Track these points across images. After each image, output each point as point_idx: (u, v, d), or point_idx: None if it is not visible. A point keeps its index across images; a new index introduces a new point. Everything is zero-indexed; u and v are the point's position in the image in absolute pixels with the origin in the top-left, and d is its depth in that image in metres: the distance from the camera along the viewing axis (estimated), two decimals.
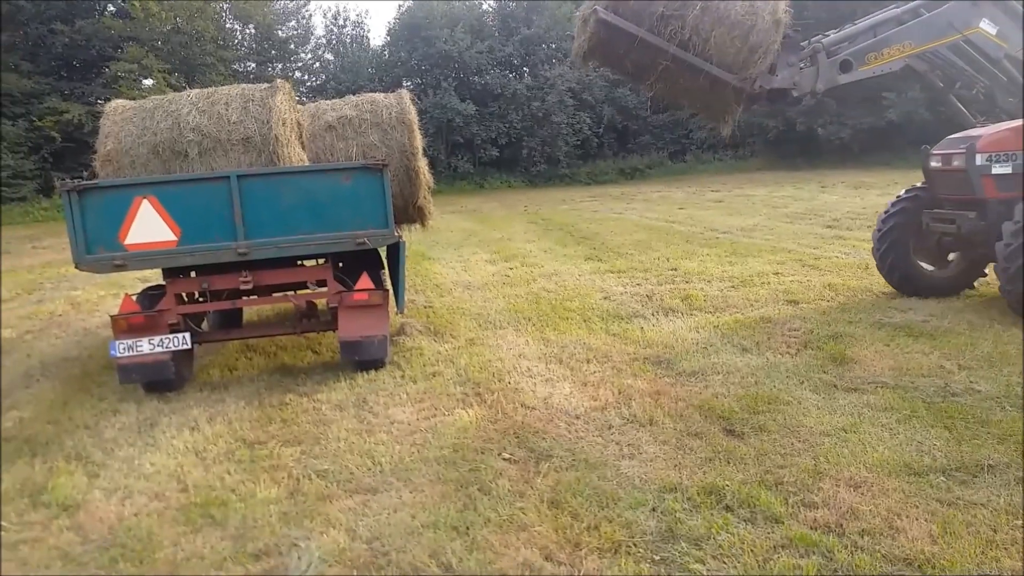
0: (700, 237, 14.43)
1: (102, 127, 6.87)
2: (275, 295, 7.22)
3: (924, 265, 8.33)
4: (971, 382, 5.48)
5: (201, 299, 6.87)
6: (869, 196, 19.92)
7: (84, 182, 6.04)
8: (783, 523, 3.70)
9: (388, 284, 7.55)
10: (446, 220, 19.34)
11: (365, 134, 8.18)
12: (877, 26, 7.17)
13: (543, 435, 5.00)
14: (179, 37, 33.74)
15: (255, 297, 7.12)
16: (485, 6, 44.34)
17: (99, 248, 6.06)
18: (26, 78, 30.82)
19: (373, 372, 6.59)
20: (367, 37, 44.68)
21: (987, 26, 6.89)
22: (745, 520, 3.76)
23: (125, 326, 6.18)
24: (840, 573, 3.31)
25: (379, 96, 8.74)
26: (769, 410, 5.18)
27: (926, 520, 3.66)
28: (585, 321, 8.16)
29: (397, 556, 3.64)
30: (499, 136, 38.86)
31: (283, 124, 6.73)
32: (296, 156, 6.84)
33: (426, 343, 7.53)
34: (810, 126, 34.66)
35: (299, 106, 7.61)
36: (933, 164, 7.75)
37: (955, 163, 7.35)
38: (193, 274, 6.62)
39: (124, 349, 6.09)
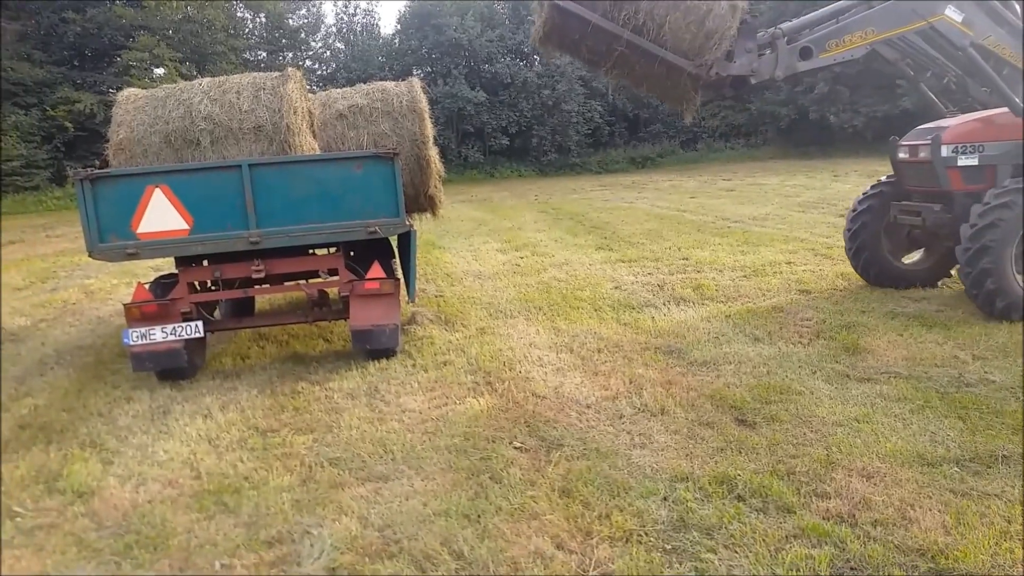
0: (712, 226, 14.37)
1: (114, 116, 6.88)
2: (287, 284, 7.23)
3: (896, 257, 8.26)
4: (985, 372, 5.44)
5: (213, 287, 6.89)
6: None
7: (97, 171, 6.06)
8: (795, 513, 3.69)
9: (399, 273, 7.56)
10: (456, 209, 19.35)
11: (376, 123, 8.16)
12: (839, 12, 7.03)
13: (554, 424, 5.00)
14: (190, 26, 33.79)
15: (267, 286, 7.14)
16: None
17: (112, 236, 6.09)
18: (38, 67, 30.98)
19: (384, 361, 6.61)
20: (377, 25, 44.73)
21: (952, 13, 6.72)
22: (757, 510, 3.76)
23: (138, 314, 6.21)
24: (852, 564, 3.29)
25: (390, 85, 8.72)
26: (781, 400, 5.16)
27: (939, 511, 3.64)
28: (596, 310, 8.15)
29: (409, 544, 3.65)
30: (509, 125, 38.78)
31: (294, 113, 6.72)
32: (307, 145, 6.83)
33: (437, 332, 7.54)
34: (823, 114, 34.37)
35: (310, 95, 7.59)
36: (900, 155, 7.64)
37: (921, 154, 7.24)
38: (205, 263, 6.64)
39: (137, 337, 6.12)
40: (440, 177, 8.73)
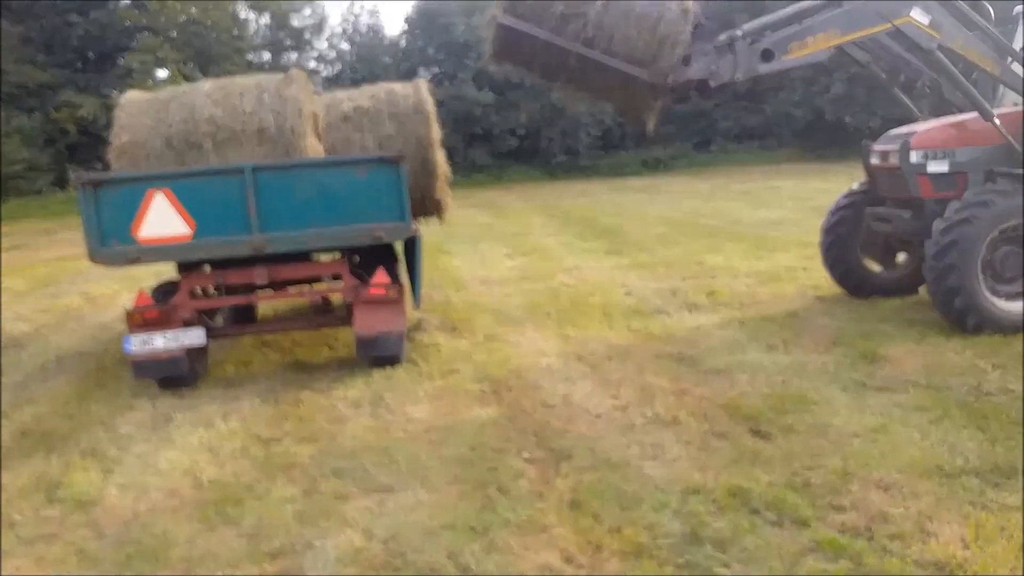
0: (725, 230, 14.24)
1: (117, 119, 6.88)
2: (290, 290, 7.20)
3: (873, 266, 8.14)
4: (1005, 381, 5.33)
5: (216, 294, 6.85)
6: None
7: (99, 175, 6.04)
8: (811, 526, 3.61)
9: (405, 279, 7.49)
10: (463, 213, 19.23)
11: (382, 125, 8.13)
12: (802, 14, 6.86)
13: (563, 434, 4.93)
14: (193, 27, 33.85)
15: (270, 292, 7.09)
16: None
17: (114, 241, 6.07)
18: (41, 70, 31.07)
19: (389, 369, 6.54)
20: (383, 26, 44.73)
21: (919, 15, 6.51)
22: (772, 523, 3.67)
23: (140, 320, 6.18)
24: None
25: (396, 86, 8.69)
26: (797, 410, 5.06)
27: (959, 523, 3.55)
28: (606, 317, 8.07)
29: (414, 557, 3.59)
30: (517, 127, 38.64)
31: (299, 115, 6.70)
32: (312, 148, 6.80)
33: (443, 339, 7.49)
34: (839, 116, 34.13)
35: (315, 96, 7.55)
36: (873, 161, 7.49)
37: (891, 160, 7.08)
38: (208, 268, 6.61)
39: (138, 344, 6.09)
40: (447, 180, 8.70)
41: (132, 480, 4.69)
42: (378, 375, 6.41)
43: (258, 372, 6.92)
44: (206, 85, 6.98)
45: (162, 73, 31.65)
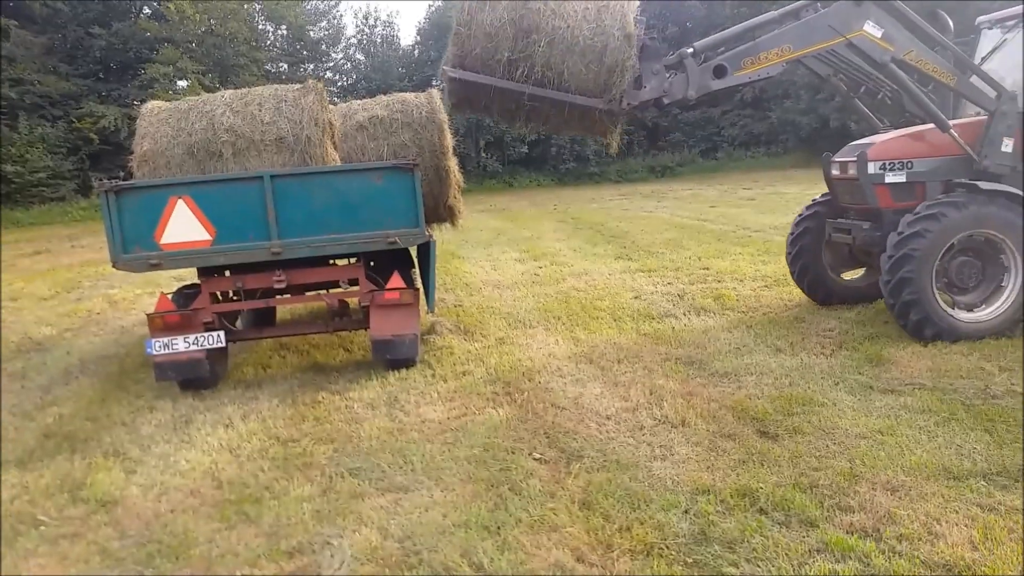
0: (732, 236, 14.27)
1: (138, 128, 6.97)
2: (308, 294, 7.27)
3: (839, 275, 8.12)
4: (1012, 384, 5.34)
5: (235, 298, 6.94)
6: None
7: (121, 182, 6.14)
8: (818, 527, 3.64)
9: (419, 283, 7.58)
10: (476, 219, 19.35)
11: (396, 134, 8.20)
12: (754, 29, 6.89)
13: (574, 435, 4.98)
14: (213, 38, 34.22)
15: (288, 296, 7.18)
16: None
17: (136, 247, 6.16)
18: (65, 80, 31.49)
19: (404, 371, 6.63)
20: (397, 37, 44.97)
21: (871, 29, 6.50)
22: (779, 523, 3.71)
23: (161, 324, 6.27)
24: None
25: (410, 96, 8.76)
26: (804, 412, 5.10)
27: (966, 525, 3.58)
28: (616, 320, 8.12)
29: (429, 555, 3.64)
30: (528, 134, 38.73)
31: (315, 124, 6.78)
32: (328, 156, 6.88)
33: (456, 342, 7.55)
34: (844, 122, 34.02)
35: (331, 106, 7.65)
36: (833, 172, 7.48)
37: (850, 171, 7.07)
38: (227, 273, 6.70)
39: (160, 347, 6.18)
40: (459, 187, 8.75)
41: (153, 480, 4.75)
42: (393, 377, 6.49)
43: (276, 374, 7.01)
44: (225, 95, 7.07)
45: (182, 83, 31.97)
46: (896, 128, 7.54)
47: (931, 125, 6.85)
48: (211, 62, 33.94)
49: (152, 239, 6.15)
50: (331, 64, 43.83)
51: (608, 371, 6.34)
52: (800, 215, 8.14)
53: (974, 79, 6.87)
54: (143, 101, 7.52)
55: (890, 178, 6.83)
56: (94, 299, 11.70)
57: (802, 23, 6.60)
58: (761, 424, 4.96)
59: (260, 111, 6.76)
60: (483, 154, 37.45)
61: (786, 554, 3.44)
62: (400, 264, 7.06)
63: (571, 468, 4.48)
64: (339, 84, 41.94)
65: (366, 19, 50.31)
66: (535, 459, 4.67)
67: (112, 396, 6.61)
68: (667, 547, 3.57)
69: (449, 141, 8.38)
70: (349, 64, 44.10)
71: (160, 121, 6.89)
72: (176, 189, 6.15)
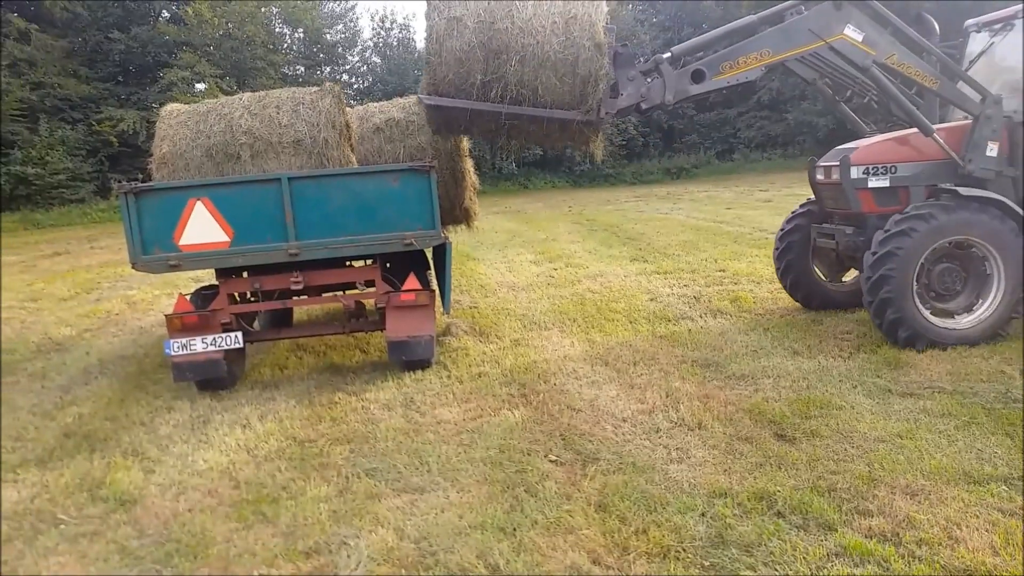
0: (749, 237, 14.19)
1: (158, 130, 7.02)
2: (325, 295, 7.31)
3: (826, 279, 8.07)
4: None
5: (253, 299, 6.99)
6: None
7: (140, 184, 6.19)
8: (837, 531, 3.62)
9: (434, 285, 7.60)
10: (491, 221, 19.39)
11: (412, 136, 8.22)
12: (732, 34, 6.85)
13: (590, 437, 4.97)
14: (230, 42, 34.48)
15: (305, 297, 7.23)
16: None
17: (155, 248, 6.22)
18: (85, 83, 31.85)
19: (420, 372, 6.65)
20: (413, 40, 45.07)
21: (852, 33, 6.45)
22: (797, 527, 3.69)
23: (179, 325, 6.32)
24: None
25: None
26: (821, 415, 5.07)
27: (987, 530, 3.55)
28: (631, 323, 8.10)
29: (445, 556, 3.65)
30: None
31: (333, 127, 6.81)
32: (345, 158, 6.91)
33: (472, 344, 7.56)
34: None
35: (348, 109, 7.69)
36: (818, 177, 7.42)
37: (834, 176, 7.01)
38: (245, 274, 6.74)
39: (178, 348, 6.23)
40: (475, 189, 8.77)
41: (172, 479, 4.79)
42: (409, 378, 6.51)
43: (294, 375, 7.04)
44: (244, 98, 7.11)
45: (200, 87, 32.24)
46: (883, 132, 7.49)
47: (915, 129, 6.79)
48: (229, 65, 34.21)
49: (171, 240, 6.20)
50: (348, 67, 44.07)
51: (624, 373, 6.33)
52: (785, 223, 8.11)
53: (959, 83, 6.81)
54: (162, 105, 7.57)
55: (873, 182, 6.78)
56: (113, 300, 11.80)
57: (782, 27, 6.56)
58: (778, 427, 4.93)
59: (278, 114, 6.80)
60: (498, 156, 37.48)
61: (804, 558, 3.42)
62: (416, 266, 7.08)
63: (587, 470, 4.47)
64: (356, 87, 42.17)
65: (382, 22, 50.57)
66: (551, 461, 4.66)
67: (131, 396, 6.66)
68: (684, 550, 3.56)
69: (465, 143, 8.40)
70: (366, 67, 44.32)
71: (179, 124, 6.94)
72: (195, 191, 6.20)
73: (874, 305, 6.35)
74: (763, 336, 7.18)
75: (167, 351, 6.27)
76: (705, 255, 12.31)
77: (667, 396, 5.64)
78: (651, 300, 9.21)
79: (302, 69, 40.29)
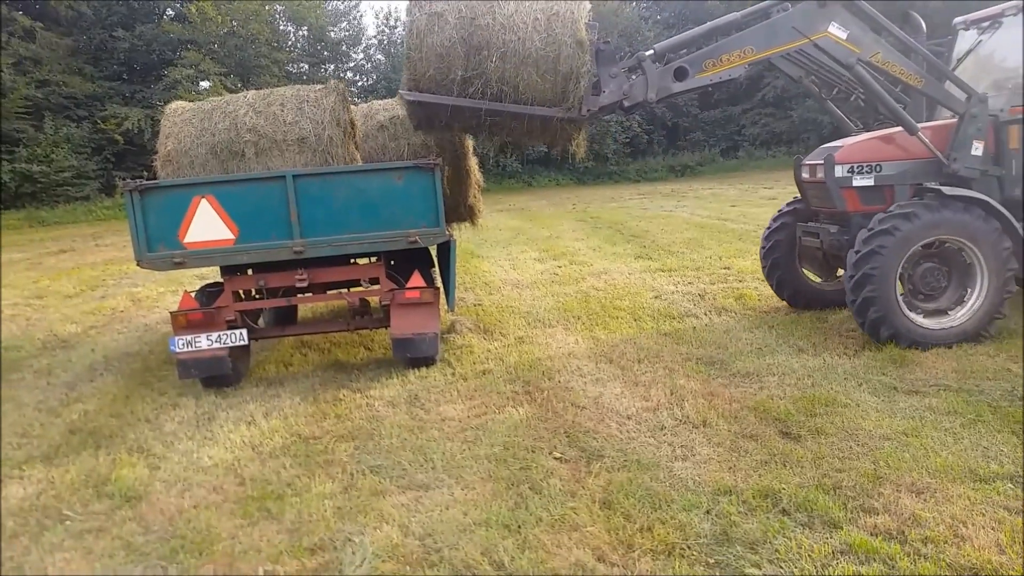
0: (753, 235, 14.12)
1: (162, 128, 7.04)
2: (329, 292, 7.32)
3: (814, 278, 8.05)
4: None
5: (257, 296, 7.00)
6: None
7: (145, 182, 6.21)
8: (842, 528, 3.62)
9: (439, 282, 7.60)
10: (495, 218, 19.39)
11: (417, 134, 8.22)
12: (716, 31, 6.81)
13: (594, 435, 4.97)
14: (235, 40, 34.49)
15: (310, 294, 7.24)
16: None
17: (160, 246, 6.23)
18: (89, 81, 31.89)
19: (424, 369, 6.66)
20: None
21: (836, 30, 6.40)
22: (802, 525, 3.69)
23: (184, 322, 6.34)
24: None
25: None
26: (826, 412, 5.06)
27: (993, 528, 3.54)
28: (635, 320, 8.10)
29: (449, 553, 3.65)
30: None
31: (337, 124, 6.81)
32: (350, 156, 6.92)
33: (476, 341, 7.57)
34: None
35: (352, 106, 7.69)
36: (803, 175, 7.39)
37: (819, 174, 6.98)
38: (250, 272, 6.75)
39: (183, 345, 6.25)
40: (479, 187, 8.77)
41: (177, 476, 4.80)
42: (413, 375, 6.52)
43: (298, 372, 7.05)
44: (248, 95, 7.12)
45: (205, 84, 32.28)
46: (871, 131, 7.46)
47: (900, 127, 6.77)
48: (233, 63, 34.23)
49: (176, 238, 6.21)
50: (352, 64, 44.05)
51: (628, 371, 6.32)
52: (770, 223, 8.09)
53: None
54: (166, 102, 7.58)
55: (858, 181, 6.75)
56: (118, 297, 11.83)
57: (766, 24, 6.53)
58: (783, 425, 4.93)
59: (282, 111, 6.81)
60: (502, 154, 37.46)
61: (809, 556, 3.41)
62: (420, 263, 7.09)
63: (592, 467, 4.47)
64: (360, 84, 42.12)
65: (386, 20, 50.54)
66: (555, 458, 4.67)
67: (136, 393, 6.68)
68: (689, 547, 3.56)
69: (469, 141, 8.40)
70: (370, 64, 44.29)
71: (183, 121, 6.95)
72: (199, 188, 6.21)
73: (856, 304, 6.32)
74: (768, 334, 7.17)
75: (172, 348, 6.29)
76: (709, 252, 12.29)
77: (672, 393, 5.64)
78: (655, 297, 9.20)
79: (306, 67, 40.28)
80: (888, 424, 4.81)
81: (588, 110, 6.19)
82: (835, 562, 3.36)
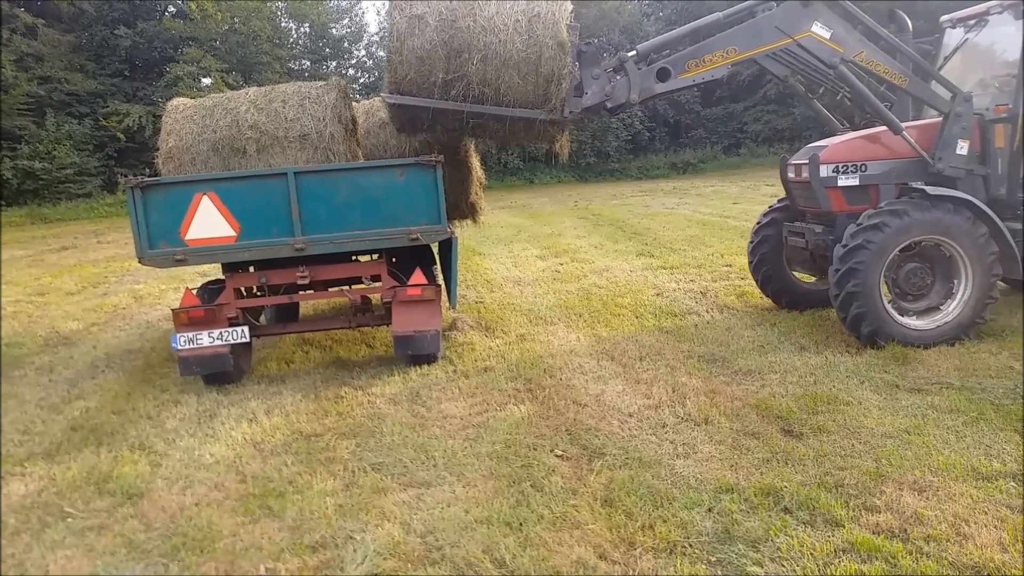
0: None
1: (164, 125, 7.04)
2: (331, 290, 7.32)
3: (805, 279, 8.03)
4: None
5: (259, 293, 7.00)
6: None
7: (147, 179, 6.20)
8: (844, 527, 3.61)
9: (440, 279, 7.59)
10: (496, 215, 19.35)
11: None
12: (698, 31, 6.77)
13: (596, 432, 4.96)
14: (236, 37, 34.47)
15: (311, 292, 7.24)
16: None
17: (161, 243, 6.23)
18: (91, 78, 31.89)
19: (426, 367, 6.65)
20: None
21: (820, 30, 6.38)
22: (804, 523, 3.69)
23: (186, 319, 6.34)
24: None
25: None
26: (828, 410, 5.06)
27: (995, 527, 3.54)
28: (637, 318, 8.09)
29: (451, 551, 3.65)
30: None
31: (338, 121, 6.81)
32: (351, 153, 6.92)
33: (477, 338, 7.57)
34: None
35: (354, 103, 7.68)
36: (789, 175, 7.37)
37: (804, 174, 6.96)
38: (251, 269, 6.75)
39: (185, 342, 6.25)
40: (481, 184, 8.76)
41: (178, 473, 4.80)
42: (415, 373, 6.51)
43: (300, 369, 7.05)
44: (250, 92, 7.12)
45: (206, 81, 32.26)
46: (857, 130, 7.44)
47: (885, 127, 6.75)
48: (234, 60, 34.21)
49: (177, 235, 6.21)
50: (353, 61, 43.96)
51: (630, 368, 6.32)
52: (757, 223, 8.08)
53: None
54: (168, 99, 7.58)
55: (843, 181, 6.74)
56: (120, 294, 11.84)
57: (749, 24, 6.52)
58: (785, 423, 4.92)
59: (284, 108, 6.81)
60: (504, 151, 37.42)
61: (811, 554, 3.41)
62: (422, 260, 7.08)
63: (593, 465, 4.47)
64: (361, 81, 42.03)
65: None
66: (557, 456, 4.66)
67: (137, 390, 6.68)
68: (690, 545, 3.56)
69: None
70: (371, 61, 44.17)
71: (185, 118, 6.95)
72: (201, 185, 6.20)
73: (840, 298, 6.30)
74: (770, 331, 7.16)
75: (174, 345, 6.29)
76: (711, 250, 12.28)
77: (673, 391, 5.63)
78: (657, 295, 9.20)
79: (308, 64, 40.26)
80: (890, 422, 4.80)
81: (570, 112, 6.19)
82: (837, 560, 3.36)
